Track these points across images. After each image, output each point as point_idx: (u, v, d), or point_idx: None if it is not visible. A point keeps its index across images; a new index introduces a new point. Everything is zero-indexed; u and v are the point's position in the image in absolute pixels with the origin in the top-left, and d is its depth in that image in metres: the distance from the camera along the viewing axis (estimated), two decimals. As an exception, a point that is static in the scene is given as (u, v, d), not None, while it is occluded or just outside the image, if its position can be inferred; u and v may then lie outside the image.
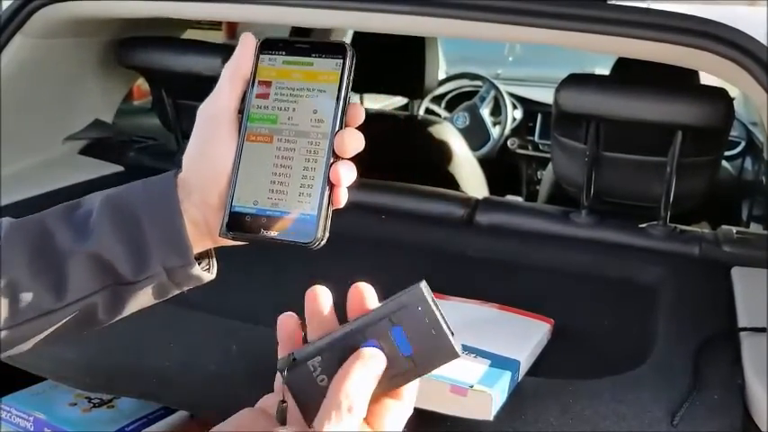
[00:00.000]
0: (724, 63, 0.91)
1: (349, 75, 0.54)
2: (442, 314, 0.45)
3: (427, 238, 1.21)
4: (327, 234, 0.53)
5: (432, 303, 0.45)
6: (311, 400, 0.45)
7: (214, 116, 0.55)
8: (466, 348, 0.82)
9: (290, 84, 0.55)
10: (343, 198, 0.54)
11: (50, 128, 1.40)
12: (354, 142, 0.53)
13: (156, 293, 0.56)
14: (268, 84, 0.55)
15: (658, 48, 0.92)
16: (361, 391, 0.44)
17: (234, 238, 0.55)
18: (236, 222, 0.54)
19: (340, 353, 0.46)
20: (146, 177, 0.58)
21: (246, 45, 0.55)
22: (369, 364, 0.45)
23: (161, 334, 0.94)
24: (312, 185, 0.53)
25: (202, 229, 0.56)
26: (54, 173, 1.33)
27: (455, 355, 0.46)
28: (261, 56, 0.56)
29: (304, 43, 0.55)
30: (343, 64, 0.54)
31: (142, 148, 1.51)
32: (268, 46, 0.56)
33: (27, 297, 0.53)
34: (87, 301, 0.54)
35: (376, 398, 0.46)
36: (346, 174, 0.53)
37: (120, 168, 1.40)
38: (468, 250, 1.17)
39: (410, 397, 0.48)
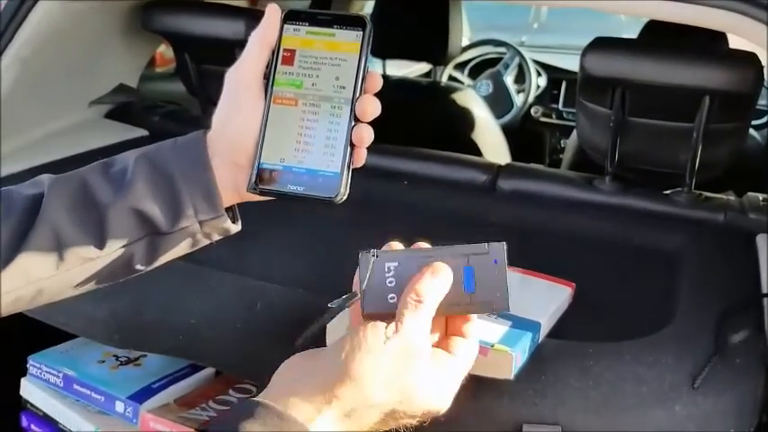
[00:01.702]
0: (757, 26, 0.90)
1: (368, 46, 0.58)
2: (507, 275, 0.54)
3: (449, 203, 1.21)
4: (348, 190, 0.57)
5: (506, 263, 0.54)
6: (375, 293, 0.53)
7: (241, 81, 0.59)
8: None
9: (313, 52, 0.59)
10: (363, 157, 0.59)
11: (76, 91, 1.41)
12: (373, 108, 0.58)
13: (189, 244, 0.60)
14: (292, 52, 0.59)
15: (690, 9, 0.91)
16: (430, 294, 0.52)
17: (261, 193, 0.58)
18: (263, 178, 0.58)
19: (414, 265, 0.53)
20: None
21: (272, 15, 0.59)
22: (439, 273, 0.53)
23: (188, 292, 0.96)
24: (335, 146, 0.57)
25: (229, 185, 0.59)
26: (81, 136, 1.35)
27: (506, 308, 0.54)
28: (285, 26, 0.59)
29: (326, 15, 0.59)
30: (363, 35, 0.58)
31: (167, 112, 1.52)
32: (292, 17, 0.60)
33: (71, 246, 0.57)
34: (126, 250, 0.58)
35: (444, 334, 0.55)
36: (367, 135, 0.58)
37: (144, 132, 1.42)
38: (491, 216, 1.17)
39: (474, 334, 0.55)
